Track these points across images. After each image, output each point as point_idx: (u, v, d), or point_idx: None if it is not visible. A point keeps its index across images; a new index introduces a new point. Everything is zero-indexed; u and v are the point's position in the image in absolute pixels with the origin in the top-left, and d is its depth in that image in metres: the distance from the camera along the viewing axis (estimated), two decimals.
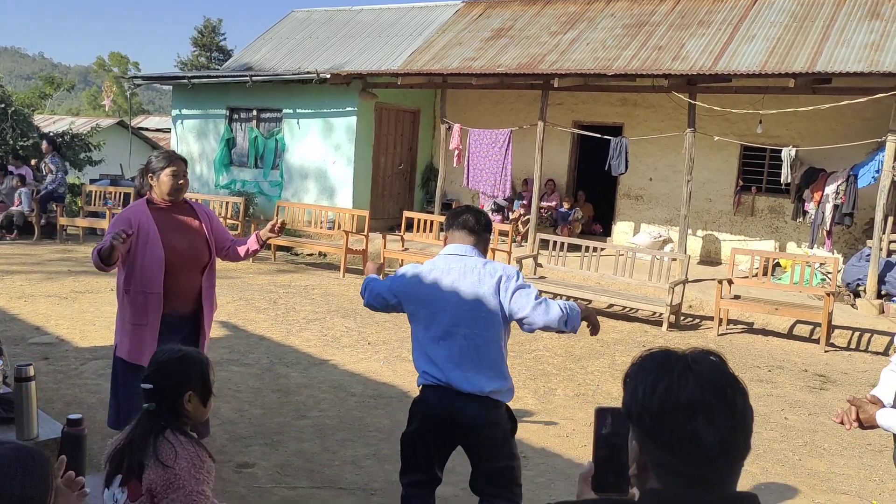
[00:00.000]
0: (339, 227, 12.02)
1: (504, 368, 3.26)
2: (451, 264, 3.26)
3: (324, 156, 13.86)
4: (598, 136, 11.83)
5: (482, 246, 3.34)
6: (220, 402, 5.48)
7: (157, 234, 3.91)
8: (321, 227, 12.42)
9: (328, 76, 12.87)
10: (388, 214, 14.25)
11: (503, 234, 11.05)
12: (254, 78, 13.75)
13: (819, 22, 11.22)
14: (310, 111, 13.96)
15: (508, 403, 3.31)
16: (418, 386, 3.31)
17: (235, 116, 14.95)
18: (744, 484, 4.66)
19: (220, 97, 14.87)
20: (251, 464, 4.58)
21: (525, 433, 5.37)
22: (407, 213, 12.06)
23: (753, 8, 12.11)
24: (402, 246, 11.60)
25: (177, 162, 4.01)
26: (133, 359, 3.87)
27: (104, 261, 3.70)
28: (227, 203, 13.02)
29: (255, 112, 14.62)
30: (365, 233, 11.53)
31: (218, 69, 23.60)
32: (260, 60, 15.83)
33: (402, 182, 14.78)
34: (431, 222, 12.01)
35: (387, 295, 3.37)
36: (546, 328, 3.15)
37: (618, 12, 13.19)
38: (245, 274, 10.74)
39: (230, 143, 14.90)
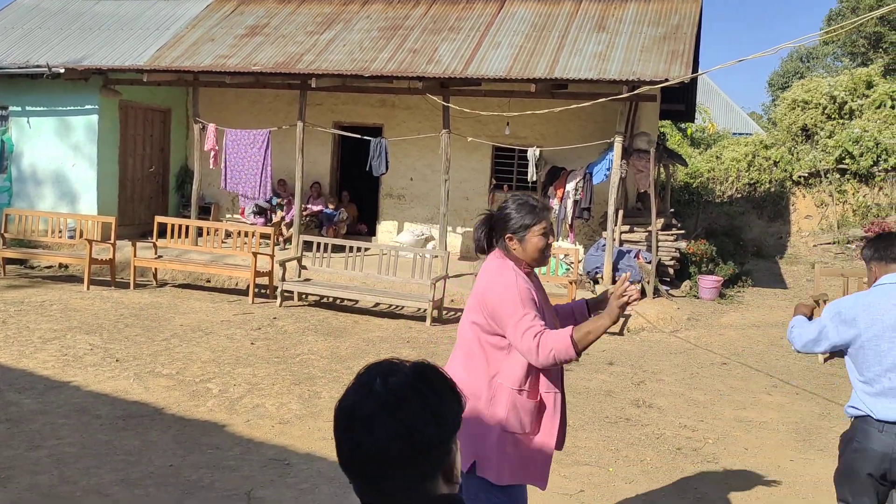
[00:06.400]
0: (81, 236, 10.98)
1: None
2: None
3: (62, 158, 12.59)
4: (359, 136, 11.92)
5: None
6: None
7: (551, 315, 2.93)
8: (61, 237, 11.27)
9: (62, 70, 11.71)
10: (140, 220, 13.26)
11: (265, 236, 10.76)
12: None
13: (556, 32, 12.17)
14: (43, 109, 12.61)
15: None
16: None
17: None
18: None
19: None
20: None
21: (290, 439, 5.24)
22: (159, 218, 11.22)
23: (498, 16, 12.86)
24: (156, 253, 10.87)
25: (545, 214, 2.86)
26: (521, 479, 2.87)
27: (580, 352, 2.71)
28: None
29: None
30: (112, 240, 10.63)
31: None
32: None
33: (154, 185, 13.86)
34: (187, 227, 11.37)
35: None
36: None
37: (373, 14, 13.38)
38: None
39: None
